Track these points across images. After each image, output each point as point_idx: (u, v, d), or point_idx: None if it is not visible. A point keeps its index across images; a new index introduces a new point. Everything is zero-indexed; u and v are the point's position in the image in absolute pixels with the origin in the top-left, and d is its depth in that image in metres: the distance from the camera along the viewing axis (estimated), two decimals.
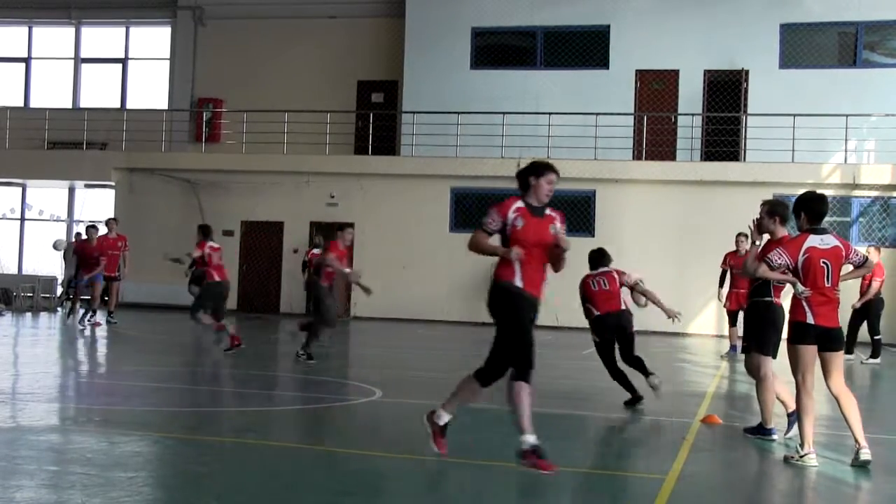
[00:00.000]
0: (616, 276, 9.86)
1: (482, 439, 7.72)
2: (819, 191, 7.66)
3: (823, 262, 7.01)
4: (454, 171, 22.55)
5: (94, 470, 6.04)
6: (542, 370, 14.43)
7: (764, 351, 7.86)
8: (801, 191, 18.81)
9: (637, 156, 22.77)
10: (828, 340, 7.07)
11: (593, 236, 22.14)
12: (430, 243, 22.38)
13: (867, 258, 7.40)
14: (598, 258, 10.08)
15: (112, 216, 20.58)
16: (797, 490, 6.66)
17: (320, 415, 8.95)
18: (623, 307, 9.78)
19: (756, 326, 7.96)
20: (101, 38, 28.08)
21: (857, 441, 7.01)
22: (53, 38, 28.34)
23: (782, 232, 7.80)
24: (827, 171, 20.80)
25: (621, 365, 9.85)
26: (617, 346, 9.83)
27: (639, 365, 9.78)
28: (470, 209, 23.01)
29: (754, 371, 7.97)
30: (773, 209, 7.87)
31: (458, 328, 20.90)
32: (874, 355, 15.49)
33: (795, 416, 7.62)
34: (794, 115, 20.70)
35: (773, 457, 7.58)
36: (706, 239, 20.15)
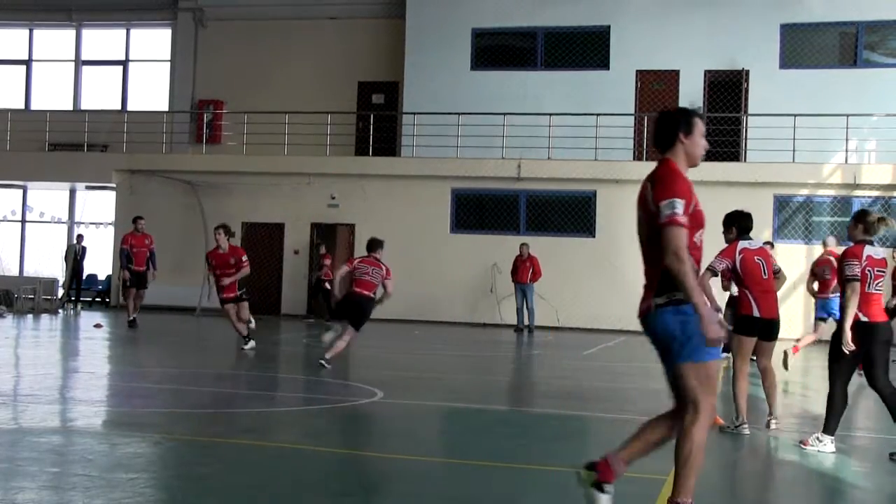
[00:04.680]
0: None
1: (483, 440, 7.73)
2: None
3: (758, 259, 8.09)
4: (455, 172, 22.55)
5: (95, 471, 6.05)
6: (543, 370, 14.49)
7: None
8: (803, 191, 19.25)
9: (638, 156, 22.77)
10: (769, 330, 8.08)
11: (594, 237, 22.16)
12: (430, 244, 22.36)
13: (780, 268, 8.38)
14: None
15: (139, 216, 19.76)
16: (798, 490, 6.66)
17: (322, 415, 8.95)
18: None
19: None
20: (102, 40, 28.09)
21: (772, 412, 8.25)
22: (54, 41, 28.35)
23: None
24: (828, 171, 20.75)
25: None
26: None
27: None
28: (470, 210, 23.02)
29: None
30: None
31: (458, 329, 20.90)
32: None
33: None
34: (795, 116, 20.69)
35: (774, 456, 7.58)
36: (707, 239, 20.05)
